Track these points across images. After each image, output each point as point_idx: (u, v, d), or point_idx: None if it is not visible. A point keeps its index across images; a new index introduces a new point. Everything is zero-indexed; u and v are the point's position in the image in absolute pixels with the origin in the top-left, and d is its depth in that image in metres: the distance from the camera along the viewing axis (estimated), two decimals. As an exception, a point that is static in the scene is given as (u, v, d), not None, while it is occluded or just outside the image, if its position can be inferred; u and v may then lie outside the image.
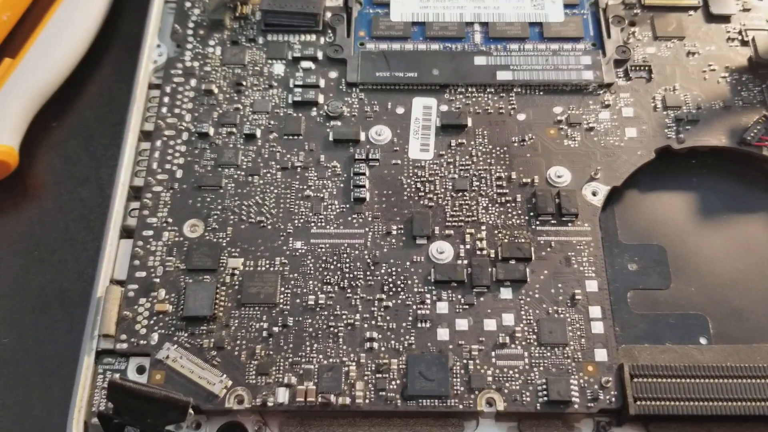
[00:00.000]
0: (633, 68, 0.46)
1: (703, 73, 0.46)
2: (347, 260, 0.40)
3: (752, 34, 0.46)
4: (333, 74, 0.46)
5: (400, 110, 0.45)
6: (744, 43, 0.47)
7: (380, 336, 0.38)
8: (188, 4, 0.49)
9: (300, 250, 0.40)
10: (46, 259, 0.45)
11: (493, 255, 0.40)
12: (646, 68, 0.46)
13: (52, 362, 0.42)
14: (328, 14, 0.48)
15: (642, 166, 0.42)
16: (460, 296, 0.39)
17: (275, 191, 0.42)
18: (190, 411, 0.31)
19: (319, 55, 0.47)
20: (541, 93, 0.45)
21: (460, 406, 0.36)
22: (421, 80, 0.45)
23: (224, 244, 0.40)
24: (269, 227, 0.41)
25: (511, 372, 0.37)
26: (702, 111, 0.44)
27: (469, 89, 0.45)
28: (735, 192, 0.43)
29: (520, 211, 0.41)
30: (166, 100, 0.45)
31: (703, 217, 0.43)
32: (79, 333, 0.39)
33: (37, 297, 0.44)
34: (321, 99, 0.45)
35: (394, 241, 0.40)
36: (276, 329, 0.38)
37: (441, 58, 0.46)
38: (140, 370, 0.37)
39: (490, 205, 0.41)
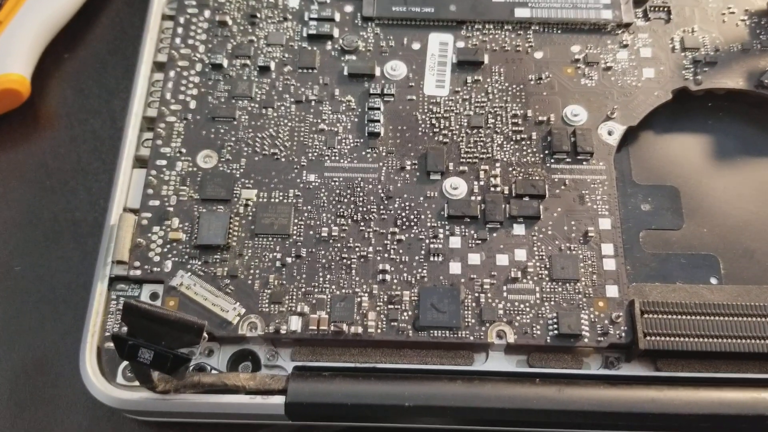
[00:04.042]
0: (652, 8, 0.45)
1: (722, 15, 0.45)
2: (361, 194, 0.40)
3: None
4: (348, 8, 0.45)
5: (416, 46, 0.44)
6: (765, -14, 0.46)
7: (393, 268, 0.38)
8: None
9: (314, 183, 0.40)
10: (58, 189, 0.45)
11: (507, 192, 0.40)
12: (665, 9, 0.45)
13: (65, 290, 0.42)
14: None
15: (658, 107, 0.42)
16: (472, 231, 0.39)
17: (289, 124, 0.42)
18: (204, 335, 0.32)
19: (334, -12, 0.46)
20: (559, 31, 0.44)
21: (471, 338, 0.36)
22: (437, 15, 0.45)
23: (238, 175, 0.40)
24: (283, 160, 0.41)
25: (522, 306, 0.37)
26: (720, 53, 0.44)
27: (487, 26, 0.45)
28: (750, 135, 0.43)
29: (535, 149, 0.41)
30: (179, 31, 0.44)
31: (717, 159, 0.42)
32: (91, 263, 0.39)
33: (50, 226, 0.44)
34: (336, 33, 0.44)
35: (407, 176, 0.40)
36: (289, 259, 0.38)
37: (458, -5, 0.45)
38: (153, 296, 0.38)
39: (505, 142, 0.41)
